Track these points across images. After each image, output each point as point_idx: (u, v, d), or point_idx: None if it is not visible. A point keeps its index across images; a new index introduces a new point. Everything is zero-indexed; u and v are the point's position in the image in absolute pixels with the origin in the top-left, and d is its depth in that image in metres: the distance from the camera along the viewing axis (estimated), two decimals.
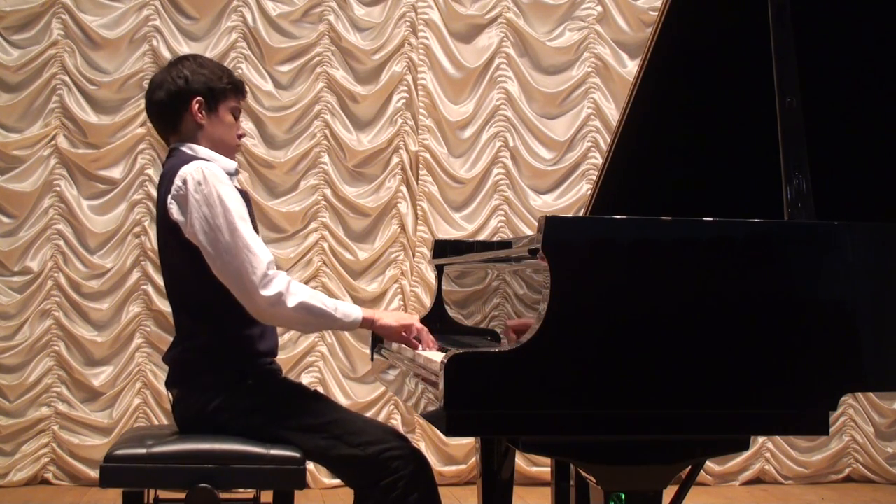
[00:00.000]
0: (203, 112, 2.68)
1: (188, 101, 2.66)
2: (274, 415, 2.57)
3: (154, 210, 4.91)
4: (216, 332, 2.59)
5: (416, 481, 2.50)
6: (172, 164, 2.64)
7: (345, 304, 2.58)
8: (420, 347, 2.60)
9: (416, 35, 5.36)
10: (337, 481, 4.80)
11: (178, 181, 2.54)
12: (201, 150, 2.67)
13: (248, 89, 2.92)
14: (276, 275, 2.48)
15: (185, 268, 2.58)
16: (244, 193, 2.68)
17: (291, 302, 2.47)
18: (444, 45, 5.38)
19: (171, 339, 5.00)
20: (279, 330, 2.81)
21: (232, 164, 2.71)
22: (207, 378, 2.58)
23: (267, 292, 2.46)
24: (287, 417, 2.57)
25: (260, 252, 2.49)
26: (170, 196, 2.55)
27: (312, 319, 2.53)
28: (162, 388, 5.08)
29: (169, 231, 2.59)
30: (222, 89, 2.70)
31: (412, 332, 2.61)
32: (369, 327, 2.61)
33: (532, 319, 2.11)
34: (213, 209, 2.50)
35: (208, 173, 2.54)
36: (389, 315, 2.63)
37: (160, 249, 2.73)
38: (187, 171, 2.54)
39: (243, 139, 2.86)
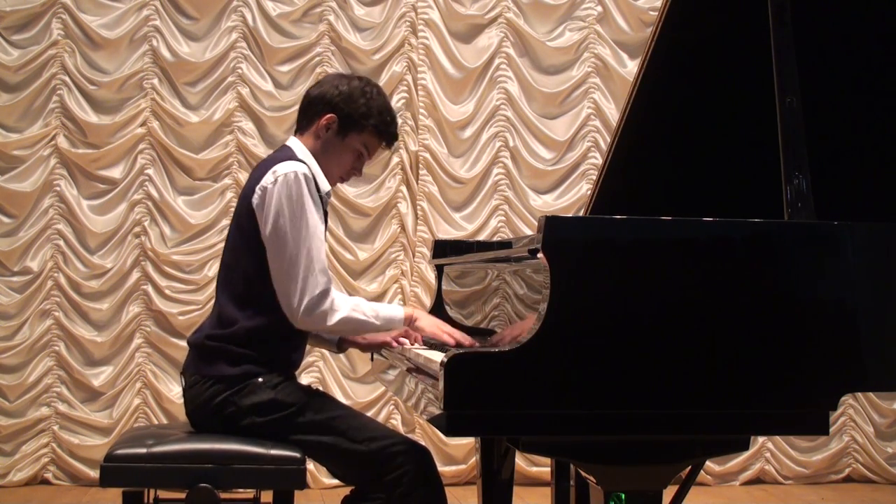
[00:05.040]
0: (328, 130, 2.69)
1: (322, 112, 2.70)
2: (278, 412, 2.57)
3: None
4: (253, 330, 2.57)
5: (420, 476, 2.51)
6: (275, 155, 2.68)
7: (385, 309, 2.62)
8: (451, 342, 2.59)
9: (416, 35, 5.35)
10: (337, 481, 4.79)
11: (270, 175, 2.56)
12: (308, 156, 2.68)
13: (398, 140, 2.89)
14: (324, 299, 2.51)
15: (248, 257, 2.58)
16: (326, 214, 2.69)
17: (332, 320, 2.53)
18: (444, 45, 5.38)
19: (170, 339, 5.10)
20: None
21: (326, 186, 2.70)
22: (221, 370, 2.58)
23: (309, 316, 2.51)
24: (291, 415, 2.58)
25: (320, 275, 2.51)
26: (258, 185, 2.57)
27: (351, 329, 2.62)
28: (162, 387, 5.08)
29: (244, 216, 2.61)
30: (363, 124, 2.70)
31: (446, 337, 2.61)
32: (408, 324, 2.66)
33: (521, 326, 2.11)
34: (293, 214, 2.52)
35: (302, 177, 2.55)
36: (428, 319, 2.66)
37: (230, 231, 2.73)
38: (284, 169, 2.56)
39: (349, 178, 2.81)
